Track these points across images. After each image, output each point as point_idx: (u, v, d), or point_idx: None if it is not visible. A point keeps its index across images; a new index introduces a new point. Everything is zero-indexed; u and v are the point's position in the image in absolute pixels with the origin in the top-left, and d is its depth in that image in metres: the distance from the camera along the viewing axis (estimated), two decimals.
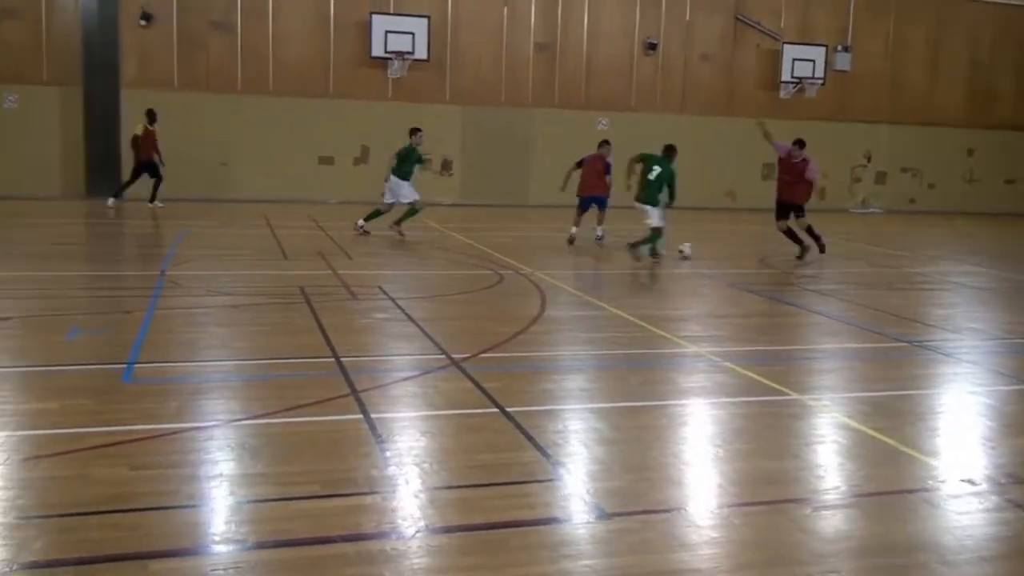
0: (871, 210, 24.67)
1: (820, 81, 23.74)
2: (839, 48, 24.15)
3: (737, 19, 23.51)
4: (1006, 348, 8.73)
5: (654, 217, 12.99)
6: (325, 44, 21.31)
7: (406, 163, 14.94)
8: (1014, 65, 26.09)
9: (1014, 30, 25.94)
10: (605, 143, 15.54)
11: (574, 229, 15.14)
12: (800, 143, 13.84)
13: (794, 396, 6.51)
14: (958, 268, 14.43)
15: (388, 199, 15.12)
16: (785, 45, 23.56)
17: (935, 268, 14.34)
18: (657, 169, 12.97)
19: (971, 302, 11.53)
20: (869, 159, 24.65)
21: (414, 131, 15.06)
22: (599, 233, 15.33)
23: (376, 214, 15.19)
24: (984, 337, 9.14)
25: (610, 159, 15.24)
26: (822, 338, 8.96)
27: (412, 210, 15.04)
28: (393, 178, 14.91)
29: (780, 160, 13.95)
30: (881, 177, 25.08)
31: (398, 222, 15.00)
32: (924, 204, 25.15)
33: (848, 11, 24.33)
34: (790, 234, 14.03)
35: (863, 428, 5.93)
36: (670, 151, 13.28)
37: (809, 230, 14.08)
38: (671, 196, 13.05)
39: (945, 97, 25.69)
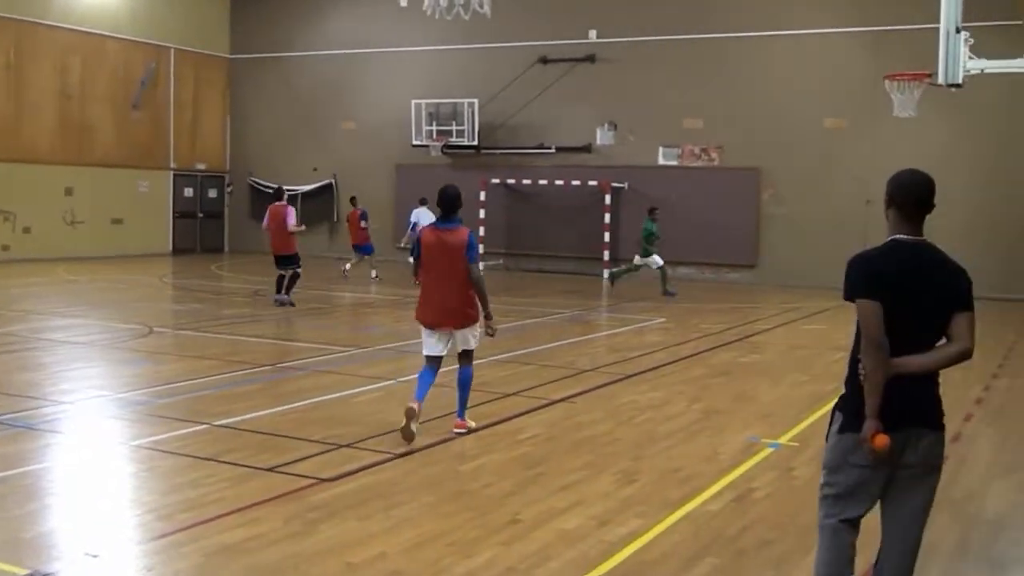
0: None
1: None
2: None
3: None
4: (99, 406, 9.11)
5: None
6: None
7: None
8: (106, 98, 27.67)
9: (105, 61, 27.52)
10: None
11: None
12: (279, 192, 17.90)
13: None
14: (54, 323, 14.63)
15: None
16: None
17: (26, 325, 14.30)
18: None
19: (73, 360, 11.78)
20: None
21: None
22: None
23: None
24: (76, 398, 9.40)
25: None
26: None
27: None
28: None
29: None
30: None
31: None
32: (21, 251, 25.01)
33: None
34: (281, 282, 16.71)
35: None
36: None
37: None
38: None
39: (36, 130, 25.98)
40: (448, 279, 7.99)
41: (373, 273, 22.18)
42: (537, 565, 5.36)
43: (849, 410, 4.14)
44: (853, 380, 4.15)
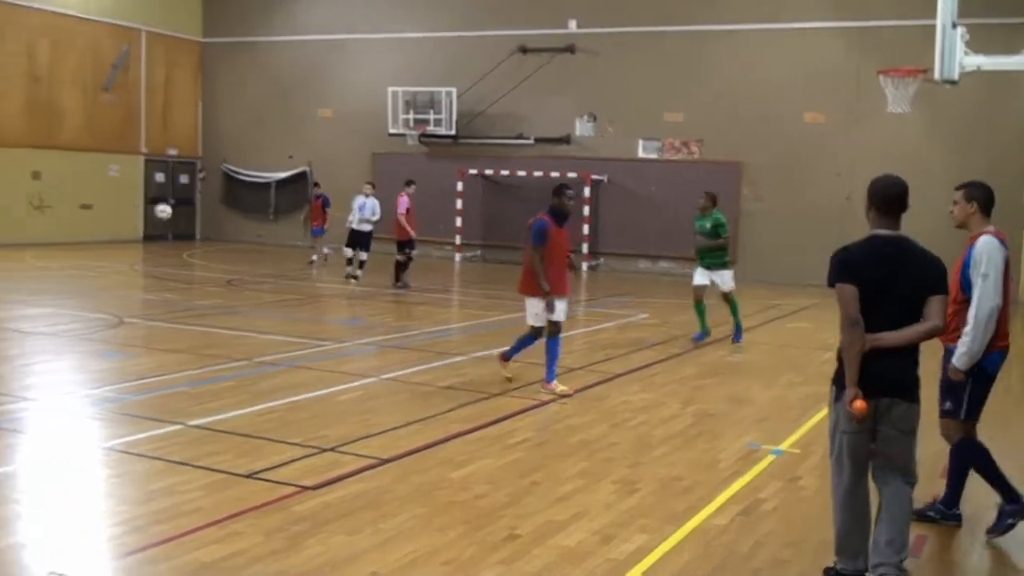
0: None
1: None
2: None
3: None
4: (67, 404, 8.60)
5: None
6: None
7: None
8: (76, 80, 26.93)
9: (74, 43, 26.76)
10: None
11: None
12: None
13: None
14: (21, 312, 14.06)
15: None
16: None
17: None
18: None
19: (41, 352, 11.27)
20: None
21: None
22: None
23: None
24: (42, 395, 8.90)
25: None
26: None
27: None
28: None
29: None
30: None
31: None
32: None
33: None
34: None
35: None
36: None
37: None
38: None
39: (3, 113, 25.22)
40: (562, 261, 9.72)
41: (326, 251, 23.03)
42: None
43: (840, 383, 4.82)
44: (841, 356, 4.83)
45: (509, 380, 9.94)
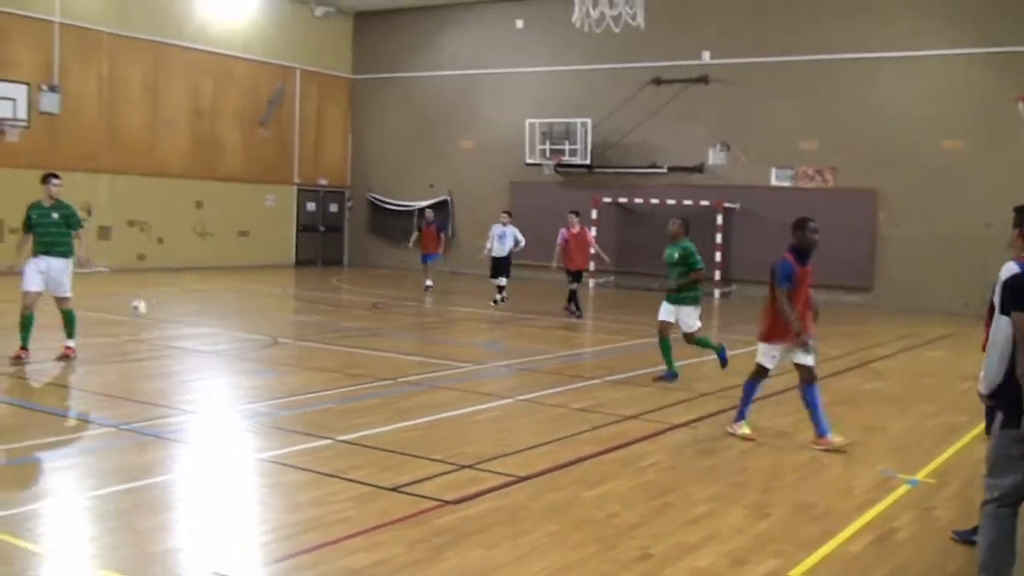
0: (95, 269, 24.21)
1: (24, 124, 22.59)
2: (45, 87, 23.31)
3: None
4: (225, 417, 8.99)
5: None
6: None
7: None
8: (236, 116, 28.16)
9: (234, 81, 28.01)
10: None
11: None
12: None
13: None
14: (183, 331, 14.73)
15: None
16: None
17: (157, 333, 14.40)
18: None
19: (201, 369, 11.80)
20: (90, 212, 24.13)
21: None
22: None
23: None
24: (202, 408, 9.31)
25: None
26: None
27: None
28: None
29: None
30: (105, 232, 24.83)
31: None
32: (154, 260, 25.56)
33: (52, 45, 23.65)
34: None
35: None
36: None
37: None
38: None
39: (170, 146, 26.56)
40: (806, 301, 8.69)
41: (428, 283, 22.55)
42: None
43: (1008, 408, 4.75)
44: (1008, 381, 4.75)
45: (751, 438, 8.74)
